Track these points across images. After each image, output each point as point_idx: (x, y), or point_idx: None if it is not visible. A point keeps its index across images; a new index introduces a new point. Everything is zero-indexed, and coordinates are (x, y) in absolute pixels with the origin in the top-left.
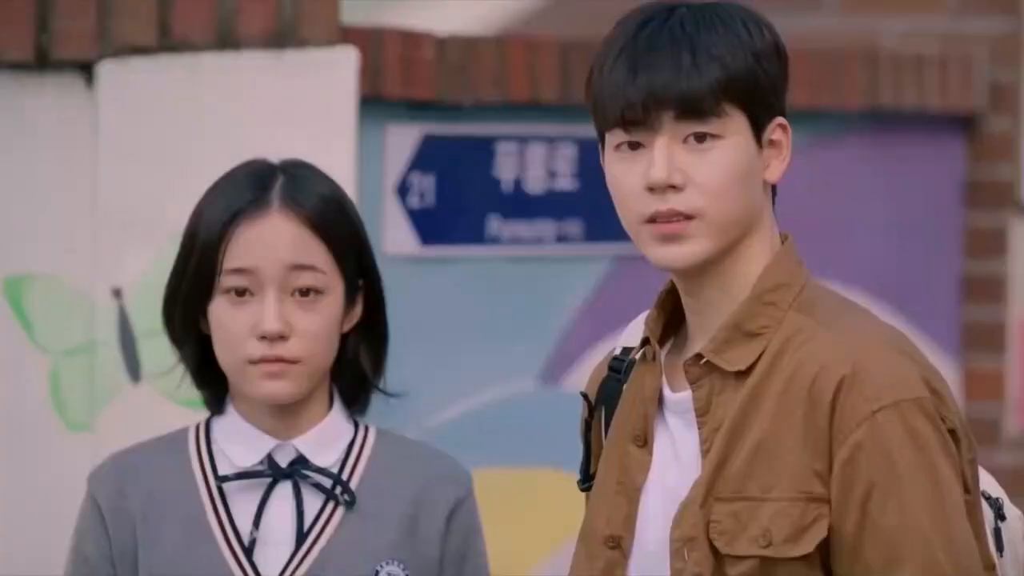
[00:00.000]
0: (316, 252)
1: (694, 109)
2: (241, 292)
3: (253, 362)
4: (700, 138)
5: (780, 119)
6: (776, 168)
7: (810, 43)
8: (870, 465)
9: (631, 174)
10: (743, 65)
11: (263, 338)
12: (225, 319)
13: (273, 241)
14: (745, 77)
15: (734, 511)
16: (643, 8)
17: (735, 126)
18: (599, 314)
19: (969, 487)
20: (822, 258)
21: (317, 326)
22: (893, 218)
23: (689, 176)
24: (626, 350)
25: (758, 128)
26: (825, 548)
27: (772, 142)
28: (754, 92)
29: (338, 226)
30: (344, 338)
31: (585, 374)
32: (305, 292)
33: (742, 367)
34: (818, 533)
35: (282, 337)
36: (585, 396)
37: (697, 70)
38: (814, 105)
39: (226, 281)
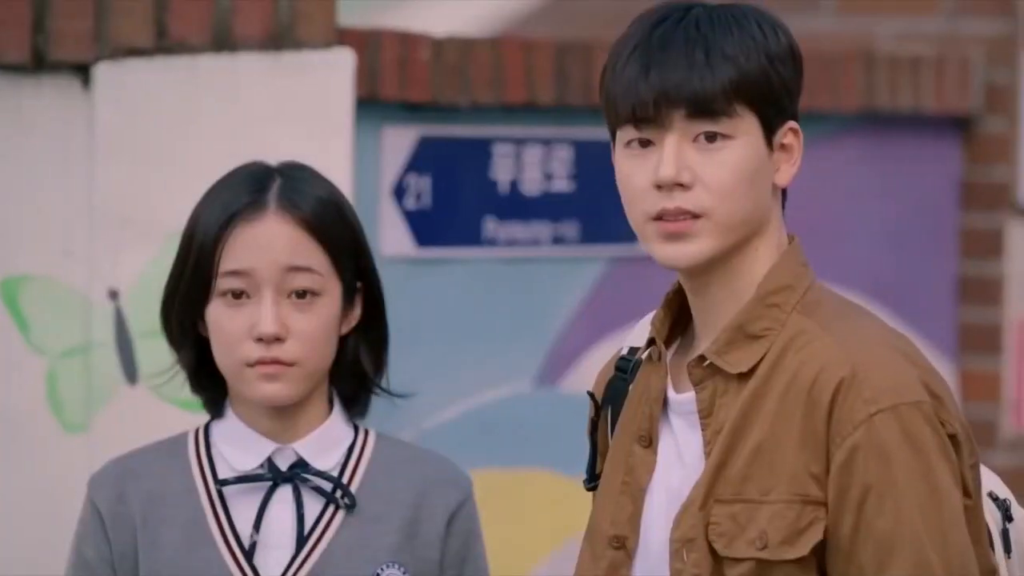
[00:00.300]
0: (312, 254)
1: (705, 108)
2: (238, 294)
3: (250, 364)
4: (710, 137)
5: (792, 123)
6: (786, 172)
7: (807, 44)
8: (867, 468)
9: (640, 171)
10: (756, 66)
11: (260, 340)
12: (222, 321)
13: (269, 243)
14: (758, 78)
15: (733, 513)
16: (659, 7)
17: (746, 127)
18: (595, 315)
19: (970, 492)
20: (818, 259)
21: (314, 328)
22: (889, 219)
23: (697, 175)
24: (633, 350)
25: (769, 130)
26: (821, 550)
27: (783, 146)
28: (766, 94)
29: (335, 228)
30: (343, 340)
31: (582, 375)
32: (302, 294)
33: (744, 369)
34: (814, 536)
35: (279, 339)
36: (592, 395)
37: (710, 69)
38: (810, 106)
39: (222, 283)
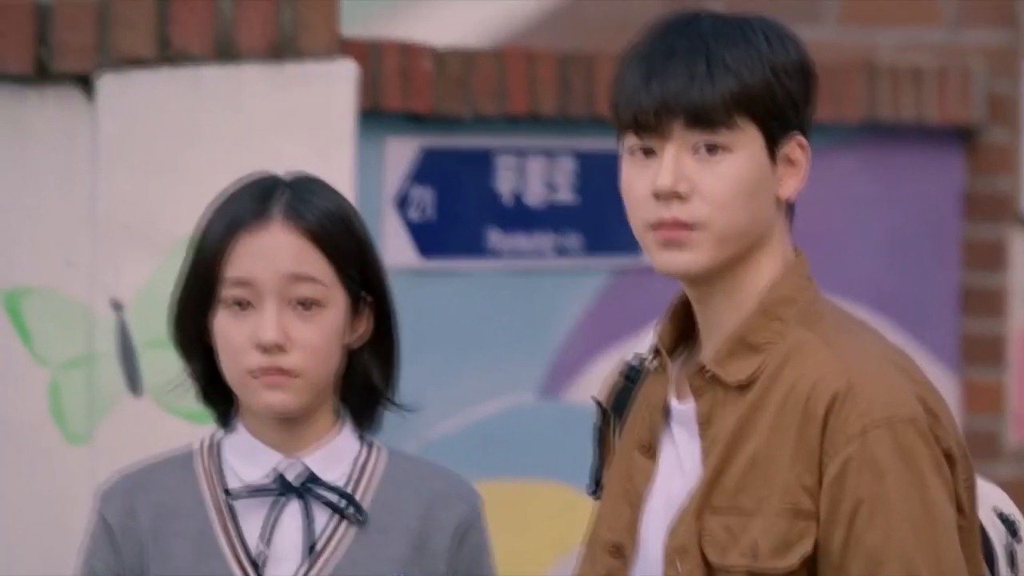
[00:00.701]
0: (316, 263)
1: (704, 119)
2: (241, 303)
3: (253, 373)
4: (710, 148)
5: (799, 136)
6: (791, 185)
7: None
8: (859, 482)
9: (641, 179)
10: (759, 79)
11: (262, 349)
12: (226, 330)
13: (272, 252)
14: (760, 91)
15: (727, 523)
16: (670, 16)
17: (747, 139)
18: (598, 326)
19: (964, 511)
20: (821, 269)
21: (317, 338)
22: (892, 230)
23: (695, 185)
24: (640, 358)
25: (772, 143)
26: (813, 564)
27: (789, 159)
28: (769, 107)
29: (340, 239)
30: (353, 353)
31: (585, 386)
32: (305, 304)
33: (743, 379)
34: (803, 548)
35: (281, 348)
36: (597, 402)
37: (710, 80)
38: (813, 117)
39: (226, 292)
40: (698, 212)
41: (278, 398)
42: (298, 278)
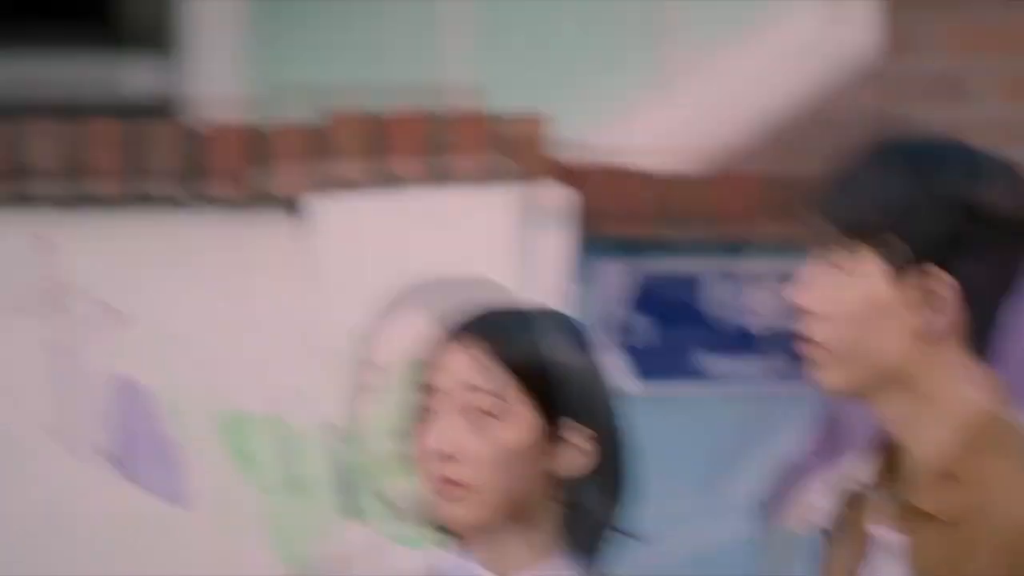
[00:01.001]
0: (495, 376)
1: (826, 239)
2: (429, 411)
3: (432, 483)
4: (833, 266)
5: (936, 269)
6: (932, 322)
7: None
8: None
9: None
10: (880, 206)
11: (437, 458)
12: (416, 439)
13: (455, 362)
14: (877, 218)
15: None
16: (875, 140)
17: (865, 264)
18: (816, 450)
19: None
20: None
21: (488, 450)
22: None
23: (820, 300)
24: (855, 482)
25: (898, 272)
26: None
27: (930, 292)
28: (891, 234)
29: (526, 357)
30: (570, 482)
31: (801, 512)
32: (480, 414)
33: (942, 510)
34: None
35: (452, 458)
36: (823, 531)
37: (834, 203)
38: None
39: (420, 401)
40: (814, 328)
41: (452, 510)
42: (474, 388)
